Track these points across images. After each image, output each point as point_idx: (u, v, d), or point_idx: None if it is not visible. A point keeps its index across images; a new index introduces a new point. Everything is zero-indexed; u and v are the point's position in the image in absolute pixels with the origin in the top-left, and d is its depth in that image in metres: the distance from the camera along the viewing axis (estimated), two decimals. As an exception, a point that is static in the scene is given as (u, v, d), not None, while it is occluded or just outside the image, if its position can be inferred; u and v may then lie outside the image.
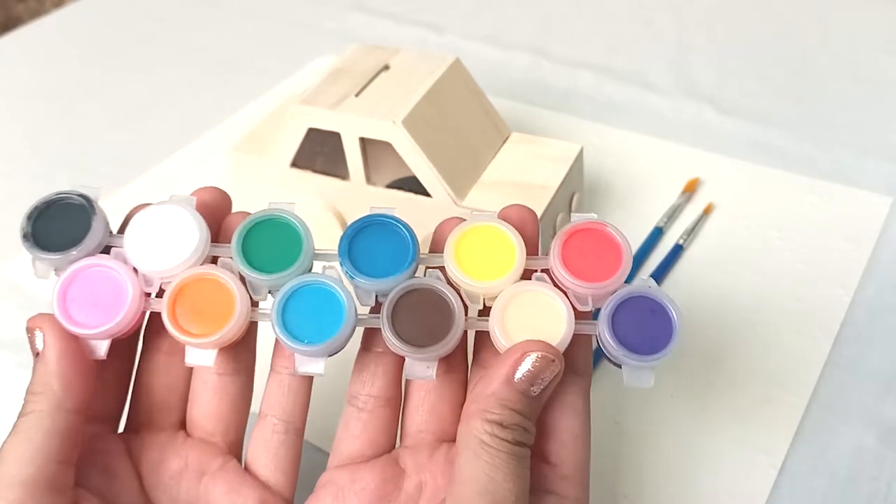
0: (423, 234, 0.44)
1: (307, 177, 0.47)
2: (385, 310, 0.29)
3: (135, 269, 0.30)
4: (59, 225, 0.30)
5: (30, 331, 0.29)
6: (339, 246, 0.30)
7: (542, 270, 0.30)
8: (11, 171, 0.60)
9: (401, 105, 0.43)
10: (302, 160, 0.47)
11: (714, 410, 0.39)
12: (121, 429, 0.33)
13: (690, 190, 0.52)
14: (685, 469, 0.37)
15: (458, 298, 0.29)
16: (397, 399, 0.32)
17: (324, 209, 0.47)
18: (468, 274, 0.29)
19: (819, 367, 0.41)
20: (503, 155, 0.47)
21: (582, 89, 0.65)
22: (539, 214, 0.42)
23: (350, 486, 0.30)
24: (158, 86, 0.69)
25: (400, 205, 0.44)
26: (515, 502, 0.26)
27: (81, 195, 0.31)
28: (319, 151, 0.48)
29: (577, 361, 0.30)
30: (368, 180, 0.45)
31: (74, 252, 0.30)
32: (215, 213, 0.32)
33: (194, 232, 0.30)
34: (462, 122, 0.46)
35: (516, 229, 0.30)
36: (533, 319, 0.29)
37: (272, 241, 0.30)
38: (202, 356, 0.29)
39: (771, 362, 0.41)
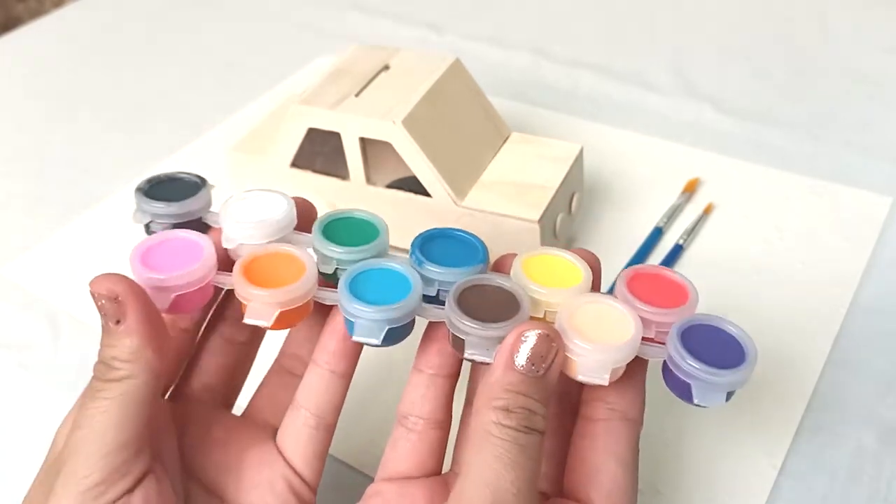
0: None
1: (307, 177, 0.47)
2: (451, 294, 0.28)
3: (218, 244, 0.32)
4: (171, 190, 0.33)
5: (103, 296, 0.28)
6: (412, 243, 0.31)
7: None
8: (11, 171, 0.60)
9: (401, 105, 0.43)
10: (302, 160, 0.47)
11: (714, 410, 0.39)
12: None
13: (690, 190, 0.52)
14: (685, 469, 0.37)
15: (525, 293, 0.29)
16: (447, 422, 0.31)
17: (324, 209, 0.47)
18: (535, 281, 0.29)
19: (819, 366, 0.41)
20: (503, 155, 0.47)
21: (582, 89, 0.65)
22: (539, 215, 0.42)
23: (397, 499, 0.30)
24: (158, 86, 0.69)
25: (400, 205, 0.45)
26: (517, 494, 0.25)
27: (198, 175, 0.35)
28: (319, 151, 0.48)
29: (629, 407, 0.29)
30: (368, 180, 0.45)
31: (175, 207, 0.33)
32: (304, 213, 0.34)
33: (282, 210, 0.32)
34: (462, 122, 0.46)
35: None
36: (599, 327, 0.28)
37: (350, 230, 0.32)
38: (261, 312, 0.29)
39: (771, 362, 0.41)
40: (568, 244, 0.49)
